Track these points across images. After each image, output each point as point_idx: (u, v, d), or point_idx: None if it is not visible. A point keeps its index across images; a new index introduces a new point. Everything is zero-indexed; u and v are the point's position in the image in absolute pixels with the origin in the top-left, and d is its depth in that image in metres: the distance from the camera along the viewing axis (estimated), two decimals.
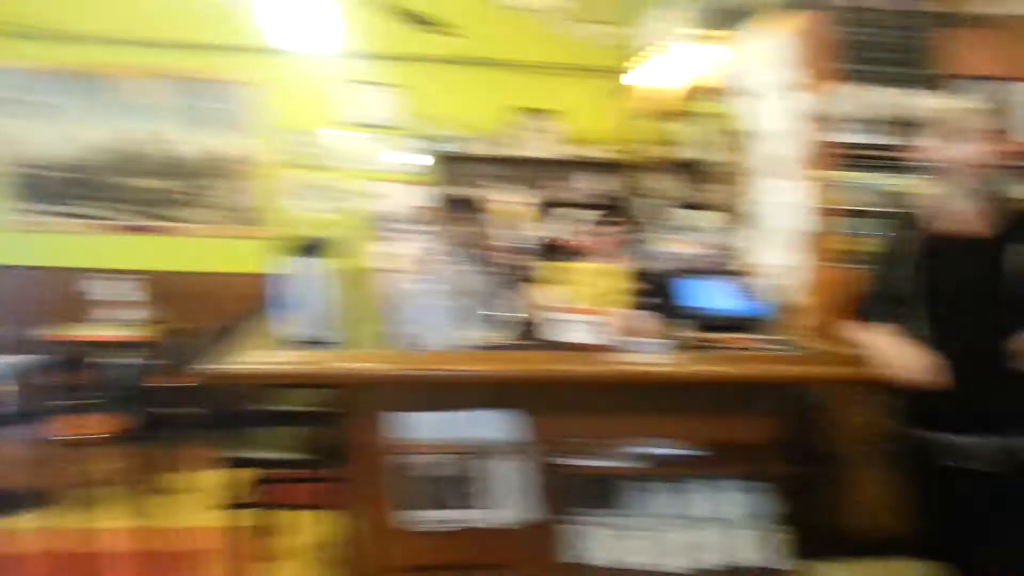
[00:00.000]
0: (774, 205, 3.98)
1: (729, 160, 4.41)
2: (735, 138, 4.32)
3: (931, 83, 3.87)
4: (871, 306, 2.44)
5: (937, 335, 2.19)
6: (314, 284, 2.71)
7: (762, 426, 2.68)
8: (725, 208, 4.44)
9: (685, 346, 2.72)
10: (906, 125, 3.79)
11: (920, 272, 2.29)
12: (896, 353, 2.24)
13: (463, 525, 2.49)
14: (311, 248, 2.77)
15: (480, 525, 2.51)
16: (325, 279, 2.73)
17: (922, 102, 3.75)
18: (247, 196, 6.25)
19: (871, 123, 3.77)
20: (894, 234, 2.50)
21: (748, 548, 2.57)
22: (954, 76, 3.91)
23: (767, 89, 4.03)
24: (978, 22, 3.91)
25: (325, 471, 2.96)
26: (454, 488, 2.48)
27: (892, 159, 3.92)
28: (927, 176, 2.66)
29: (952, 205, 2.33)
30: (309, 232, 3.11)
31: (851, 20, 3.80)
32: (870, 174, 4.07)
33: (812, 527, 3.19)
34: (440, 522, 2.48)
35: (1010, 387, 2.10)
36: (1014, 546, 2.09)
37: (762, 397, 2.69)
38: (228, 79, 6.11)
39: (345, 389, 2.52)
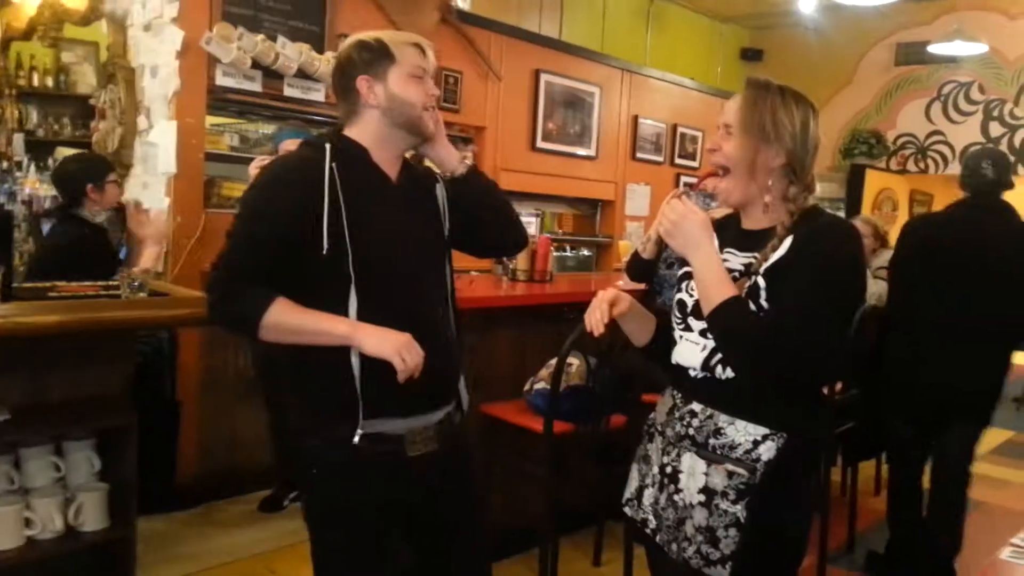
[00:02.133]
0: (147, 145, 3.76)
1: (103, 94, 4.02)
2: (111, 70, 3.95)
3: (314, 38, 4.05)
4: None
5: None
6: None
7: (107, 377, 2.51)
8: (98, 146, 4.05)
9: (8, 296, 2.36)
10: (280, 76, 3.93)
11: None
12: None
13: None
14: None
15: None
16: None
17: (301, 55, 3.91)
18: None
19: (246, 69, 3.78)
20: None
21: (87, 511, 2.37)
22: (341, 35, 4.15)
23: (143, 19, 3.76)
24: None
25: None
26: None
27: (264, 106, 4.03)
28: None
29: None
30: None
31: None
32: (241, 120, 4.12)
33: (156, 479, 3.15)
34: None
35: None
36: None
37: (106, 345, 2.51)
38: None
39: None
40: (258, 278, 1.65)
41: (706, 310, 1.56)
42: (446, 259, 1.87)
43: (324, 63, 4.01)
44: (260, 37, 3.77)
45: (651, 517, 1.70)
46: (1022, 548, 1.69)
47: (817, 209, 1.64)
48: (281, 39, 3.85)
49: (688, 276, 1.68)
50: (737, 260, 1.64)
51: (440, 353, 1.74)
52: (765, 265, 1.57)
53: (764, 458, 1.54)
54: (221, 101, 3.86)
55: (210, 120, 3.90)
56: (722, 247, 1.66)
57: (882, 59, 9.08)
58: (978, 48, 7.45)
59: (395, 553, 1.82)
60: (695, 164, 6.93)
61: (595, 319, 1.61)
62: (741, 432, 1.57)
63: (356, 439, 1.67)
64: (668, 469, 1.66)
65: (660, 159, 6.72)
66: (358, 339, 1.63)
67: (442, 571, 1.89)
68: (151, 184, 3.73)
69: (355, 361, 1.66)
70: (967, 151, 8.47)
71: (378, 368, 1.63)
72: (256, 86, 3.87)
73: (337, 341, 1.65)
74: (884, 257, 4.40)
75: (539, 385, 2.94)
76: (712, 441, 1.59)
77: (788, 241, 1.57)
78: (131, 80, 3.81)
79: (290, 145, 3.41)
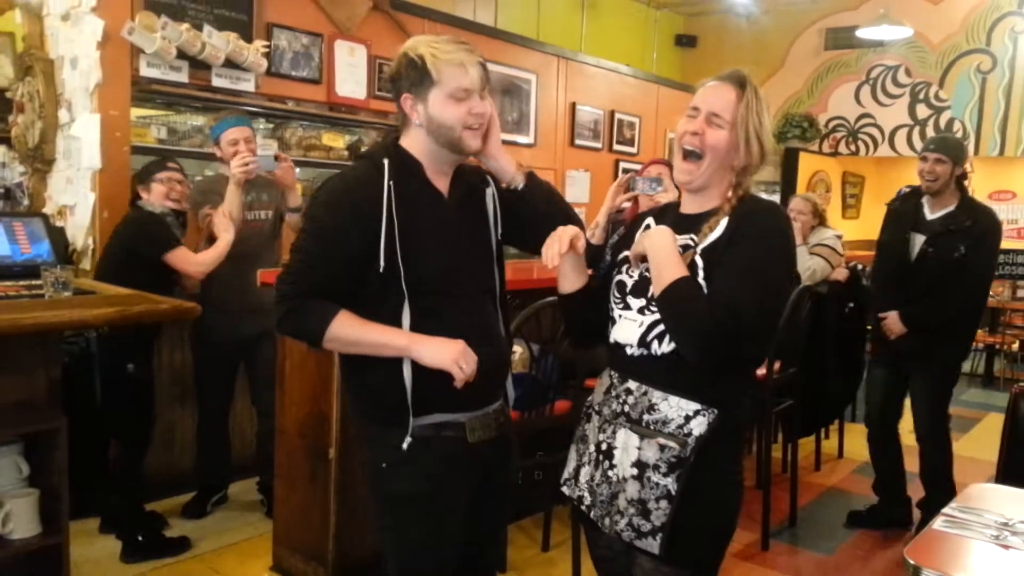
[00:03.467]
0: (69, 139, 3.62)
1: (20, 87, 3.85)
2: (28, 62, 3.79)
3: (242, 27, 3.95)
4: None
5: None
6: None
7: (32, 380, 2.41)
8: (18, 141, 3.89)
9: None
10: (208, 66, 3.82)
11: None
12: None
13: None
14: None
15: None
16: None
17: (228, 44, 3.80)
18: None
19: (171, 59, 3.66)
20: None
21: (16, 518, 2.28)
22: (271, 24, 4.07)
23: (60, 9, 3.62)
24: None
25: None
26: None
27: (192, 97, 3.91)
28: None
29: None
30: None
31: None
32: (168, 111, 4.01)
33: (89, 483, 3.05)
34: None
35: None
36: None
37: (31, 347, 2.41)
38: None
39: None
40: (323, 292, 1.72)
41: (658, 288, 1.60)
42: (496, 262, 1.91)
43: (253, 52, 3.91)
44: (185, 26, 3.65)
45: (587, 494, 1.74)
46: (954, 518, 1.73)
47: (748, 193, 1.71)
48: (207, 28, 3.74)
49: (627, 260, 1.73)
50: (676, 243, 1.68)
51: (492, 355, 1.81)
52: (703, 245, 1.62)
53: (695, 433, 1.59)
54: (146, 92, 3.73)
55: (136, 112, 3.78)
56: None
57: (812, 44, 9.27)
58: (903, 32, 7.65)
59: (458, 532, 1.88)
60: (633, 150, 6.98)
61: (553, 251, 1.66)
62: (674, 408, 1.61)
63: (405, 445, 1.76)
64: (603, 446, 1.70)
65: (599, 145, 6.75)
66: (416, 351, 1.70)
67: (482, 548, 1.97)
68: (75, 179, 3.61)
69: (407, 371, 1.73)
70: (895, 133, 8.72)
71: (435, 375, 1.70)
72: (183, 77, 3.75)
73: (396, 353, 1.72)
74: (822, 234, 4.49)
75: None
76: (646, 417, 1.64)
77: (724, 222, 1.64)
78: (50, 72, 3.67)
79: (235, 134, 3.32)
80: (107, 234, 3.50)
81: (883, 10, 7.53)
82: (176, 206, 3.23)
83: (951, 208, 3.39)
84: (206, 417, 3.58)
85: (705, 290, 1.59)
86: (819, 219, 4.61)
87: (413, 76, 1.72)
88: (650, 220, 1.80)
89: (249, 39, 3.95)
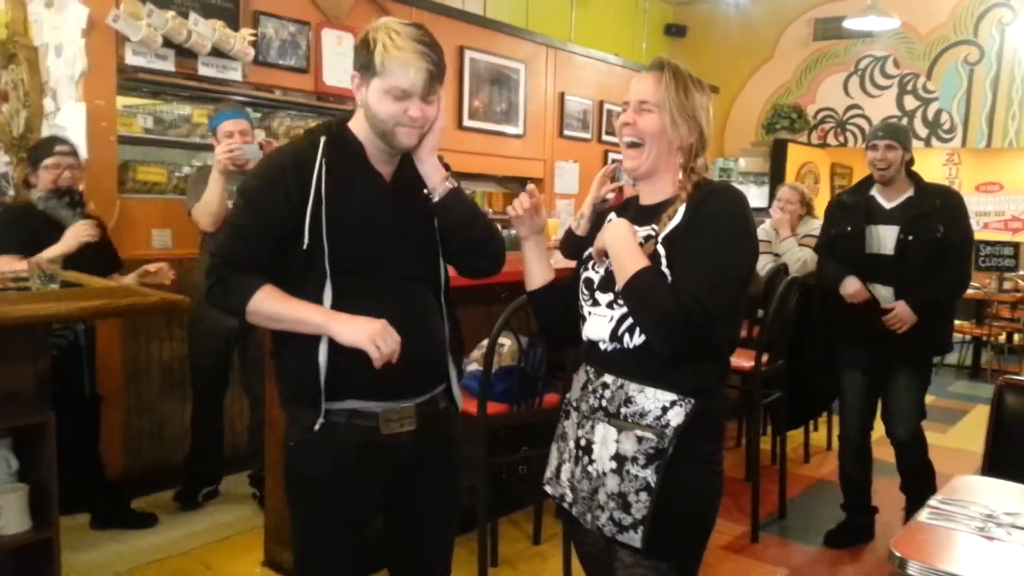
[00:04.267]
0: (54, 128, 3.58)
1: (4, 75, 3.81)
2: (11, 50, 3.74)
3: (228, 15, 3.91)
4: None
5: None
6: None
7: (19, 374, 2.39)
8: (2, 130, 3.84)
9: None
10: (194, 54, 3.78)
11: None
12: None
13: None
14: None
15: None
16: None
17: (215, 32, 3.77)
18: None
19: (157, 47, 3.63)
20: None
21: (6, 513, 2.26)
22: (257, 12, 4.04)
23: None
24: None
25: None
26: None
27: (179, 86, 3.88)
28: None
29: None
30: None
31: None
32: (155, 100, 3.97)
33: (78, 478, 3.03)
34: None
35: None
36: None
37: (17, 340, 2.38)
38: None
39: None
40: (250, 266, 1.70)
41: (620, 281, 1.62)
42: (439, 254, 1.86)
43: (239, 40, 3.88)
44: (171, 14, 3.62)
45: (568, 491, 1.75)
46: (939, 510, 1.75)
47: (706, 179, 1.73)
48: (193, 16, 3.71)
49: (592, 256, 1.76)
50: (639, 234, 1.69)
51: (422, 346, 1.76)
52: (663, 233, 1.65)
53: (673, 423, 1.60)
54: (132, 81, 3.69)
55: (122, 101, 3.74)
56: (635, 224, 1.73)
57: (801, 34, 9.27)
58: (891, 23, 7.66)
59: (367, 526, 1.86)
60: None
61: (518, 202, 1.76)
62: (650, 399, 1.62)
63: (317, 426, 1.72)
64: (582, 442, 1.70)
65: (588, 136, 6.74)
66: (333, 328, 1.66)
67: (412, 548, 1.94)
68: None
69: (322, 351, 1.69)
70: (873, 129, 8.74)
71: (354, 356, 1.65)
72: (169, 65, 3.71)
73: (314, 330, 1.68)
74: (810, 225, 4.50)
75: (471, 367, 2.92)
76: (623, 410, 1.64)
77: (682, 209, 1.66)
78: (34, 60, 3.62)
79: (230, 126, 3.30)
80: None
81: (871, 1, 7.54)
82: (69, 184, 3.12)
83: (909, 194, 3.27)
84: (200, 406, 3.57)
85: (669, 278, 1.60)
86: (807, 208, 4.62)
87: (363, 58, 1.68)
88: (612, 215, 1.82)
89: (236, 27, 3.92)
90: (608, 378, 1.68)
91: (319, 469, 1.77)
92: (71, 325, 3.07)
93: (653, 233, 1.66)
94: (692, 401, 1.61)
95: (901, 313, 3.24)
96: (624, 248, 1.63)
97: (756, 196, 9.34)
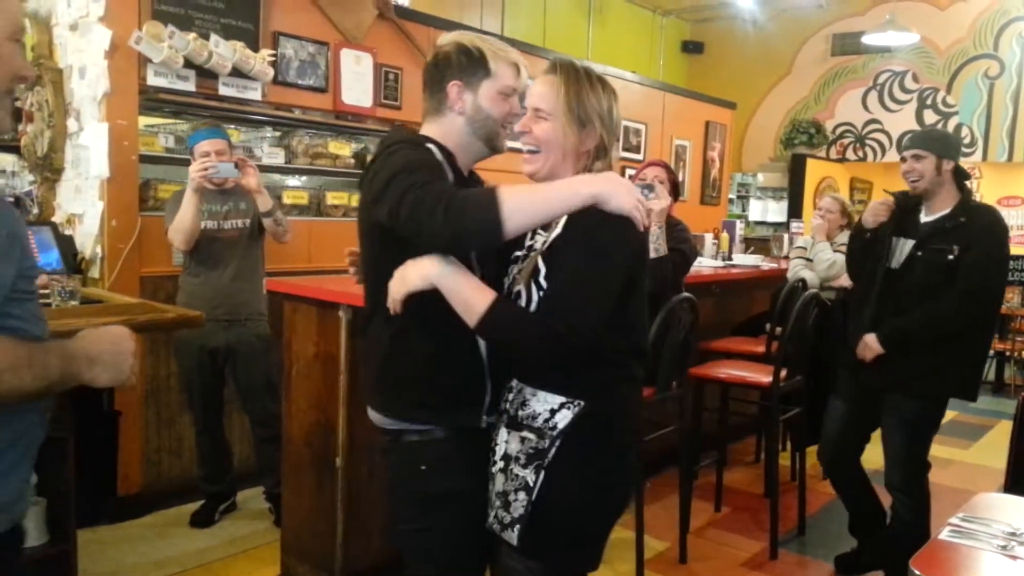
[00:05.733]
0: (77, 148, 3.64)
1: (30, 96, 3.88)
2: (37, 71, 3.82)
3: (248, 36, 3.96)
4: None
5: None
6: None
7: None
8: (27, 150, 3.91)
9: None
10: (215, 75, 3.84)
11: None
12: None
13: None
14: None
15: None
16: None
17: (235, 53, 3.82)
18: None
19: (179, 68, 3.68)
20: None
21: (24, 526, 2.29)
22: (277, 33, 4.09)
23: (68, 19, 3.64)
24: None
25: None
26: None
27: (199, 106, 3.93)
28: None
29: None
30: None
31: None
32: (176, 120, 4.02)
33: (96, 491, 3.06)
34: None
35: None
36: None
37: None
38: None
39: None
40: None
41: (472, 321, 1.56)
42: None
43: (259, 61, 3.93)
44: (192, 35, 3.67)
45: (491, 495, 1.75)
46: (961, 528, 1.72)
47: None
48: (214, 37, 3.76)
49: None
50: (538, 240, 1.69)
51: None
52: (541, 246, 1.64)
53: (560, 426, 1.61)
54: (154, 101, 3.75)
55: (143, 121, 3.79)
56: (534, 232, 1.70)
57: (819, 50, 9.26)
58: (910, 38, 7.64)
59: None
60: (639, 156, 6.97)
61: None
62: (541, 402, 1.64)
63: (483, 424, 1.75)
64: (493, 444, 1.73)
65: None
66: (601, 188, 1.54)
67: None
68: (84, 188, 3.62)
69: (483, 347, 1.71)
70: (903, 139, 8.69)
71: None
72: (190, 85, 3.77)
73: (584, 200, 1.54)
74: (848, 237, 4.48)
75: None
76: (520, 413, 1.67)
77: (563, 220, 1.61)
78: (59, 81, 3.69)
79: (206, 146, 3.33)
80: (116, 242, 3.53)
81: (889, 16, 7.52)
82: None
83: (947, 211, 2.93)
84: (198, 427, 3.59)
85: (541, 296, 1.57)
86: (847, 220, 4.61)
87: (466, 64, 1.73)
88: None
89: (256, 48, 3.97)
90: (513, 382, 1.71)
91: (461, 483, 1.74)
92: None
93: (537, 246, 1.66)
94: (581, 404, 1.61)
95: (867, 341, 2.97)
96: (456, 282, 1.57)
97: (775, 211, 9.32)
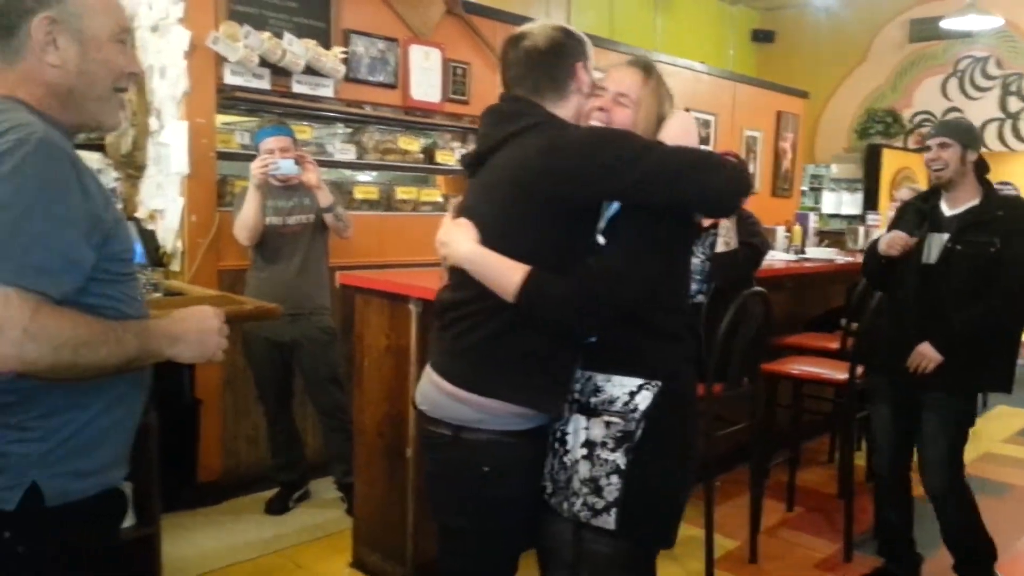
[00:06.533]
0: (159, 146, 3.77)
1: None
2: None
3: (320, 34, 4.04)
4: None
5: None
6: None
7: None
8: (111, 148, 4.07)
9: None
10: (288, 73, 3.92)
11: None
12: None
13: None
14: None
15: None
16: None
17: (308, 51, 3.90)
18: None
19: (254, 67, 3.78)
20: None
21: None
22: (348, 31, 4.16)
23: (150, 21, 3.77)
24: None
25: None
26: None
27: (273, 104, 4.02)
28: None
29: None
30: None
31: None
32: (251, 117, 4.12)
33: (178, 478, 3.17)
34: None
35: None
36: None
37: None
38: None
39: None
40: None
41: (512, 295, 1.60)
42: None
43: (331, 59, 4.00)
44: (266, 35, 3.76)
45: (548, 483, 1.77)
46: None
47: None
48: (288, 36, 3.84)
49: None
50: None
51: None
52: (601, 224, 1.69)
53: (641, 407, 1.66)
54: (230, 100, 3.85)
55: (220, 119, 3.90)
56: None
57: (895, 36, 8.97)
58: (993, 22, 7.34)
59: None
60: (709, 148, 6.88)
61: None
62: (617, 386, 1.68)
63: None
64: (558, 434, 1.75)
65: None
66: None
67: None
68: (165, 184, 3.75)
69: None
70: (985, 127, 8.36)
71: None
72: (265, 84, 3.86)
73: None
74: None
75: None
76: (593, 400, 1.70)
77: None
78: (141, 82, 3.81)
79: (271, 143, 3.41)
80: (195, 237, 3.65)
81: None
82: None
83: (975, 203, 2.86)
84: (270, 418, 3.69)
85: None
86: None
87: (581, 47, 1.80)
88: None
89: (328, 46, 4.04)
90: (579, 372, 1.73)
91: (518, 488, 1.76)
92: None
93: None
94: (659, 384, 1.66)
95: (924, 351, 2.84)
96: (487, 261, 1.63)
97: (849, 203, 9.07)
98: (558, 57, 1.77)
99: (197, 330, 1.45)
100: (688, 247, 1.81)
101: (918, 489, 3.05)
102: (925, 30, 8.69)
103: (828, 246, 5.69)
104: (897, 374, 2.94)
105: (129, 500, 2.39)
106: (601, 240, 1.67)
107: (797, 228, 5.71)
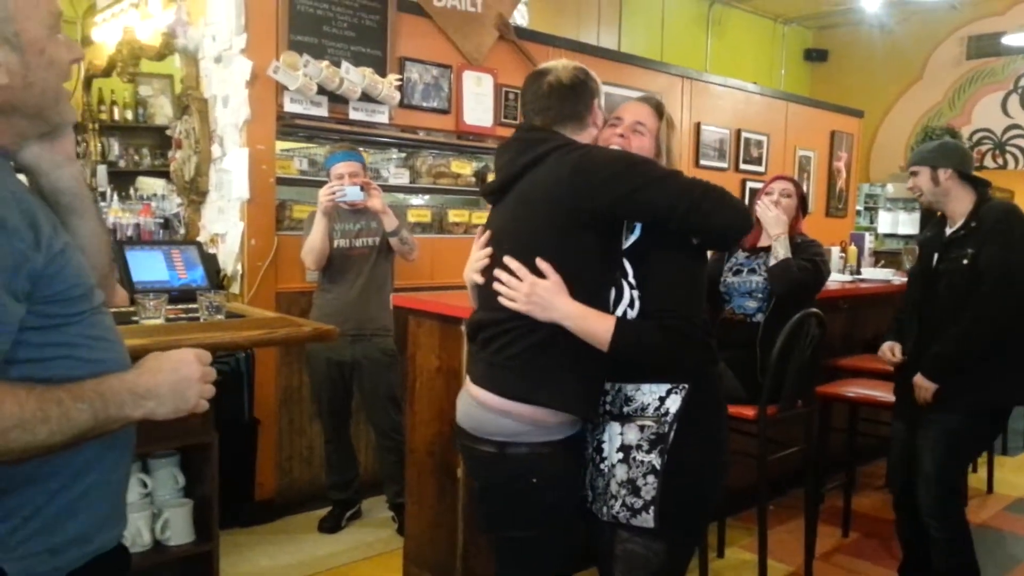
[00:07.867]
0: (221, 172, 3.90)
1: (179, 124, 4.19)
2: (185, 102, 4.11)
3: (377, 63, 4.15)
4: None
5: None
6: None
7: None
8: (176, 174, 4.22)
9: None
10: (346, 100, 4.03)
11: None
12: None
13: None
14: None
15: None
16: None
17: (364, 79, 4.01)
18: None
19: (312, 95, 3.89)
20: None
21: (173, 526, 2.47)
22: (403, 58, 4.27)
23: (213, 52, 3.91)
24: (421, 11, 4.33)
25: None
26: None
27: (331, 130, 4.14)
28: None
29: None
30: None
31: None
32: (309, 144, 4.24)
33: (235, 495, 3.24)
34: None
35: None
36: None
37: None
38: None
39: None
40: None
41: (606, 345, 1.71)
42: None
43: (387, 86, 4.10)
44: (324, 63, 3.87)
45: (588, 491, 1.86)
46: None
47: None
48: (345, 64, 3.95)
49: None
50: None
51: None
52: (625, 246, 1.80)
53: (672, 410, 1.76)
54: (289, 127, 3.97)
55: (280, 145, 4.02)
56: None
57: (952, 53, 8.81)
58: None
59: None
60: (761, 168, 6.83)
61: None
62: (647, 394, 1.79)
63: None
64: (595, 443, 1.85)
65: (724, 165, 6.64)
66: None
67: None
68: (226, 209, 3.87)
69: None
70: None
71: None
72: (322, 111, 3.97)
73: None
74: None
75: None
76: (626, 408, 1.80)
77: (639, 226, 1.83)
78: (204, 110, 3.96)
79: (341, 168, 3.50)
80: (255, 260, 3.76)
81: None
82: None
83: (967, 217, 2.84)
84: (326, 437, 3.76)
85: (637, 294, 1.75)
86: None
87: (596, 87, 1.92)
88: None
89: (383, 73, 4.14)
90: (606, 385, 1.82)
91: (567, 494, 1.85)
92: (233, 352, 3.31)
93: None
94: (686, 386, 1.76)
95: (918, 383, 2.83)
96: (576, 313, 1.71)
97: (906, 223, 8.90)
98: (579, 92, 1.89)
99: (171, 382, 1.23)
100: (704, 256, 1.92)
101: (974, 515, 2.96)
102: (984, 46, 8.52)
103: (884, 266, 5.59)
104: (902, 393, 2.98)
105: (142, 547, 2.41)
106: (628, 268, 1.78)
107: (852, 248, 5.63)
